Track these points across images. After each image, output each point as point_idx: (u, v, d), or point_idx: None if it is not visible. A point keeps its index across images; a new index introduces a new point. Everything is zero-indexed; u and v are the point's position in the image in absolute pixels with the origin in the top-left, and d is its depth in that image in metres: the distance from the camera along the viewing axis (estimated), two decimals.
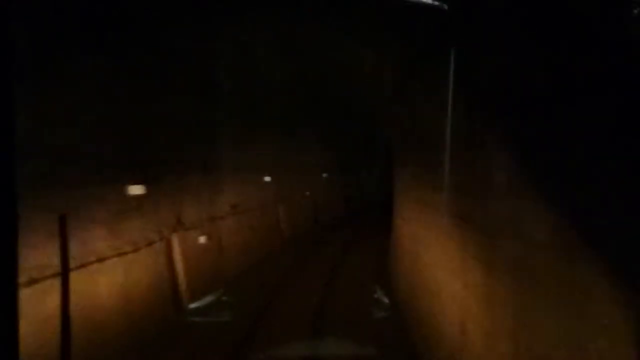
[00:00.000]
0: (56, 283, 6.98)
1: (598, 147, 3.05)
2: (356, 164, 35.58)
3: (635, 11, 2.83)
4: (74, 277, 7.27)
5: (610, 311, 2.83)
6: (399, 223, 14.40)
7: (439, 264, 8.05)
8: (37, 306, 6.74)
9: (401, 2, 7.58)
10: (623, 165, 2.81)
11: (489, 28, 5.28)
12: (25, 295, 6.46)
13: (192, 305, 11.78)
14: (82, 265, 7.88)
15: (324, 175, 29.34)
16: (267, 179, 18.62)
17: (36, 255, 6.71)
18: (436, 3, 6.46)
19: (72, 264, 7.28)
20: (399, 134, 14.18)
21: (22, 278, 6.26)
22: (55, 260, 6.97)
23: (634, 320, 2.59)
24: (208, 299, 12.37)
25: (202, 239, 12.68)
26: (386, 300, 13.00)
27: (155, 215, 10.54)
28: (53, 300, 6.95)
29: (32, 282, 6.66)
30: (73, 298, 7.08)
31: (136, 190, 9.34)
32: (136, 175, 9.64)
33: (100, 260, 8.47)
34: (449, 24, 6.51)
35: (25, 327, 4.94)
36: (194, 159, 12.84)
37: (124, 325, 9.03)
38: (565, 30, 3.42)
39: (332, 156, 30.53)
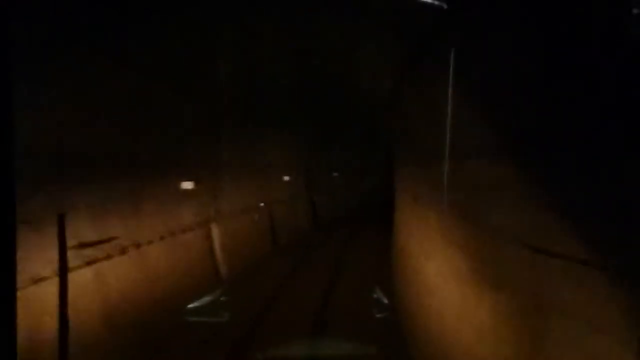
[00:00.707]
0: None
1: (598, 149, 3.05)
2: (348, 162, 33.55)
3: (635, 11, 2.83)
4: None
5: None
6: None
7: None
8: None
9: (401, 1, 7.58)
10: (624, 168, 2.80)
11: (488, 27, 5.27)
12: None
13: None
14: None
15: (286, 178, 22.52)
16: (189, 185, 11.75)
17: None
18: (436, 2, 6.44)
19: None
20: (399, 133, 14.16)
21: None
22: None
23: None
24: None
25: None
26: None
27: None
28: None
29: None
30: None
31: None
32: None
33: None
34: (449, 24, 6.51)
35: None
36: None
37: None
38: (564, 29, 3.42)
39: (300, 152, 25.50)
